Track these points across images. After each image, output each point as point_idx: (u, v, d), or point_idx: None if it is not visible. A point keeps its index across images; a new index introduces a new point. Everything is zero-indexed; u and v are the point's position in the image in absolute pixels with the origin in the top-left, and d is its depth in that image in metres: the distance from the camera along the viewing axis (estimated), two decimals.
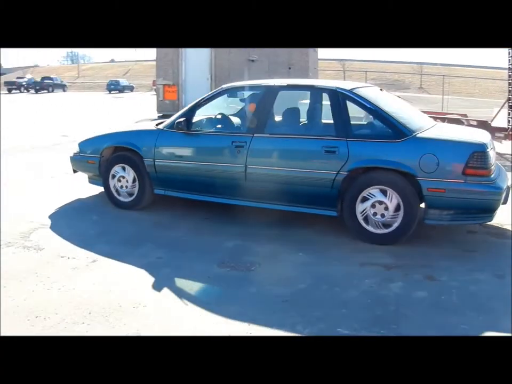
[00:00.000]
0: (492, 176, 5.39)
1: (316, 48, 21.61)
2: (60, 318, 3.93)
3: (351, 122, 5.87)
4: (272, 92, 6.42)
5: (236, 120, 6.99)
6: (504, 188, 5.48)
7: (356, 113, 6.20)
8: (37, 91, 57.38)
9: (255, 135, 6.11)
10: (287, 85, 6.63)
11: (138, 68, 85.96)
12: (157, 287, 4.64)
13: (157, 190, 6.81)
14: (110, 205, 7.06)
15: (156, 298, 4.38)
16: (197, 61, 19.48)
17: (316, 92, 6.54)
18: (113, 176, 7.01)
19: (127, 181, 6.91)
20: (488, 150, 5.39)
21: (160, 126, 6.84)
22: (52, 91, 58.38)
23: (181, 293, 4.51)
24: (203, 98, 6.73)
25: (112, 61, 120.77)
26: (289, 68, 19.09)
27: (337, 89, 5.96)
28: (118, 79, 64.17)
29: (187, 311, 4.15)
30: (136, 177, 6.84)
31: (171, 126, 6.62)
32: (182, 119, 6.48)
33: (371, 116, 6.07)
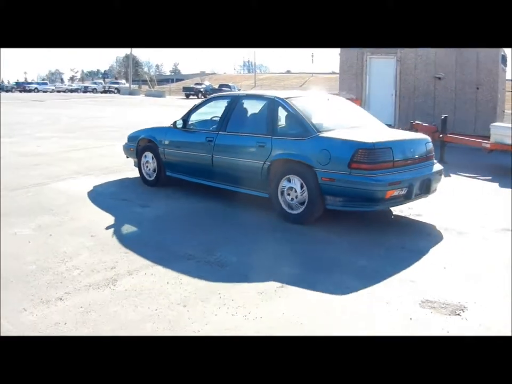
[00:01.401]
0: (378, 170, 6.69)
1: (505, 67, 20.56)
2: None
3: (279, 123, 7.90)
4: (234, 100, 8.74)
5: (213, 121, 8.99)
6: (395, 182, 6.70)
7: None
8: None
9: (219, 132, 8.45)
10: (246, 95, 9.50)
11: (314, 80, 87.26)
12: None
13: (167, 172, 9.43)
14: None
15: None
16: (381, 75, 19.32)
17: (262, 100, 8.51)
18: (144, 161, 9.78)
19: (151, 165, 9.64)
20: (374, 148, 6.73)
21: (171, 125, 9.28)
22: None
23: None
24: (195, 105, 9.45)
25: (288, 72, 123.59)
26: (477, 88, 18.26)
27: (275, 98, 7.99)
28: (295, 91, 63.78)
29: None
30: (156, 162, 9.51)
31: (174, 124, 9.16)
32: (180, 120, 9.11)
33: (293, 119, 7.66)
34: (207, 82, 77.29)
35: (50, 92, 77.24)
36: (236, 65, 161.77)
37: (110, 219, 7.57)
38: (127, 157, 10.62)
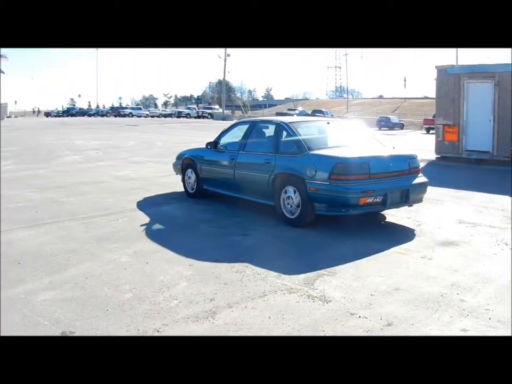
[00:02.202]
0: (353, 181, 8.00)
1: None
2: None
3: (282, 142, 9.33)
4: (252, 124, 10.44)
5: (237, 143, 10.48)
6: (368, 191, 7.97)
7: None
8: None
9: (240, 152, 10.10)
10: (261, 120, 11.12)
11: (407, 105, 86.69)
12: None
13: (204, 186, 11.11)
14: None
15: None
16: (479, 100, 18.75)
17: (272, 124, 10.11)
18: (187, 177, 11.54)
19: (192, 180, 11.37)
20: (350, 163, 8.12)
21: (206, 146, 11.00)
22: None
23: None
24: (224, 129, 11.22)
25: (381, 97, 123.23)
26: None
27: (280, 123, 9.68)
28: (388, 116, 64.89)
29: None
30: (195, 177, 11.24)
31: (207, 145, 10.97)
32: (212, 142, 10.93)
33: (291, 139, 9.13)
34: (300, 108, 78.27)
35: (145, 117, 79.59)
36: (328, 90, 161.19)
37: (208, 247, 7.47)
38: (176, 174, 12.35)
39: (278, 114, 69.40)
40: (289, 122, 9.54)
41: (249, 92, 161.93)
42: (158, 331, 4.77)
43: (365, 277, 6.24)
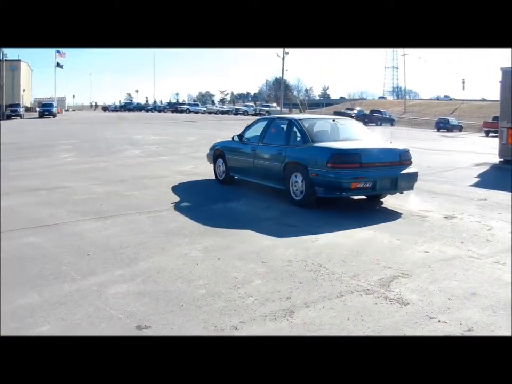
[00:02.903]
0: (346, 169, 9.42)
1: None
2: None
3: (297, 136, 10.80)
4: (270, 121, 12.07)
5: (257, 136, 11.92)
6: (358, 177, 9.37)
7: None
8: (365, 123, 59.55)
9: (259, 144, 11.60)
10: (278, 117, 12.81)
11: (466, 107, 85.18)
12: None
13: (231, 173, 12.73)
14: None
15: None
16: None
17: (285, 120, 11.67)
18: (217, 165, 13.21)
19: (221, 168, 13.00)
20: (343, 153, 9.57)
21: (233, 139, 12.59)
22: (380, 124, 61.99)
23: None
24: (248, 124, 12.88)
25: (438, 98, 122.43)
26: None
27: (292, 119, 11.29)
28: (447, 118, 64.46)
29: None
30: (224, 166, 12.80)
31: (233, 138, 12.51)
32: (238, 135, 12.45)
33: (299, 133, 10.66)
34: (358, 108, 78.00)
35: (202, 113, 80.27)
36: (385, 90, 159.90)
37: (280, 244, 7.35)
38: (210, 163, 13.86)
39: (336, 113, 69.45)
40: (299, 119, 11.18)
41: (306, 90, 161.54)
42: (236, 328, 4.67)
43: (440, 281, 6.03)
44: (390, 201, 10.65)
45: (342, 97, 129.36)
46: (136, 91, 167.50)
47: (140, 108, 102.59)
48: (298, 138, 10.66)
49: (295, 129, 10.82)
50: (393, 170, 9.93)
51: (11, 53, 75.23)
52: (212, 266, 6.37)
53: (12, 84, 76.21)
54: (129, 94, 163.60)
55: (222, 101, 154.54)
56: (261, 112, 77.17)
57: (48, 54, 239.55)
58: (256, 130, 12.13)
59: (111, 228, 8.19)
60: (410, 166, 10.23)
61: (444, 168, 17.17)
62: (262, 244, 7.36)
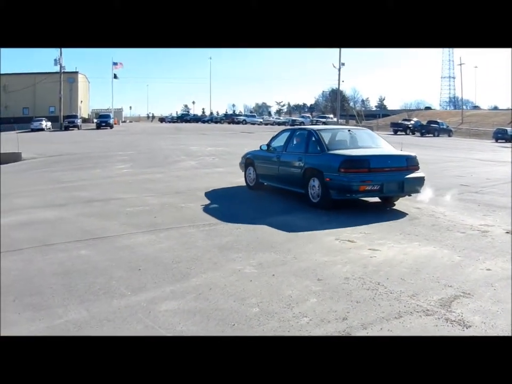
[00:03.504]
0: (355, 173, 10.49)
1: None
2: None
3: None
4: (292, 131, 13.33)
5: (282, 145, 13.06)
6: (367, 181, 10.43)
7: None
8: (422, 134, 61.20)
9: (283, 152, 12.73)
10: (299, 128, 14.59)
11: None
12: None
13: (260, 180, 13.84)
14: None
15: None
16: None
17: (305, 131, 12.69)
18: (248, 173, 14.34)
19: (252, 175, 14.12)
20: (353, 160, 10.68)
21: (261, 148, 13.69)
22: (437, 135, 61.31)
23: None
24: (274, 135, 14.13)
25: (496, 108, 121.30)
26: None
27: (311, 130, 12.36)
28: (505, 128, 63.21)
29: None
30: (255, 173, 13.91)
31: (261, 148, 13.60)
32: (265, 144, 13.56)
33: (317, 142, 11.68)
34: (415, 119, 76.89)
35: (258, 124, 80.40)
36: (441, 101, 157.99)
37: (336, 262, 7.12)
38: (242, 171, 14.94)
39: (393, 124, 69.35)
40: (317, 130, 12.38)
41: (362, 101, 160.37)
42: None
43: (503, 301, 5.69)
44: (449, 215, 10.31)
45: (399, 109, 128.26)
46: (193, 102, 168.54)
47: (196, 119, 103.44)
48: (316, 147, 11.71)
49: (313, 138, 11.90)
50: (400, 175, 10.92)
51: (69, 65, 77.17)
52: (266, 283, 6.19)
53: (69, 96, 78.14)
54: (185, 105, 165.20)
55: (279, 112, 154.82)
56: (318, 123, 76.91)
57: (105, 65, 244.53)
58: (281, 140, 13.33)
59: (164, 241, 8.10)
60: (417, 171, 11.23)
61: (504, 180, 16.56)
62: (318, 260, 7.14)
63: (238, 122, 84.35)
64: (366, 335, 4.64)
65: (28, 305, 5.61)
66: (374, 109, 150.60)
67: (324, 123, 75.61)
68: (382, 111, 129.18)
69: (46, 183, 16.40)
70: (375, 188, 10.52)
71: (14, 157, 27.09)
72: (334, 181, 10.60)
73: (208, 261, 7.05)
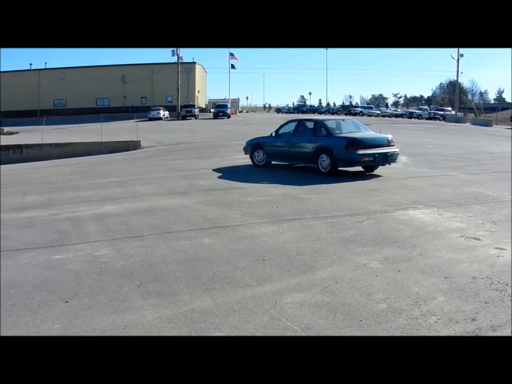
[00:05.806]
0: (357, 149, 14.48)
1: None
2: None
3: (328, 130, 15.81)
4: (300, 121, 17.20)
5: (290, 132, 16.82)
6: (365, 154, 14.51)
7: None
8: None
9: (292, 137, 16.48)
10: (306, 119, 18.39)
11: None
12: None
13: (268, 159, 17.43)
14: None
15: None
16: None
17: (313, 121, 16.60)
18: (255, 154, 17.68)
19: (260, 157, 17.56)
20: (355, 140, 14.81)
21: (270, 135, 17.49)
22: None
23: None
24: (281, 124, 17.80)
25: None
26: None
27: (317, 120, 16.57)
28: None
29: None
30: (263, 155, 17.47)
31: (271, 134, 17.45)
32: (274, 132, 17.35)
33: (324, 129, 15.65)
34: None
35: (375, 116, 79.33)
36: None
37: (464, 259, 6.91)
38: (245, 154, 18.46)
39: None
40: (322, 120, 16.58)
41: (481, 93, 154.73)
42: None
43: None
44: None
45: None
46: (310, 93, 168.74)
47: (313, 110, 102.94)
48: (324, 132, 15.61)
49: (319, 126, 15.91)
50: (384, 150, 15.07)
51: (186, 55, 78.87)
52: (392, 279, 6.11)
53: (187, 86, 79.83)
54: (302, 96, 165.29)
55: (396, 104, 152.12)
56: (435, 116, 75.17)
57: (221, 56, 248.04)
58: (287, 128, 17.12)
59: (287, 232, 8.16)
60: (394, 147, 15.53)
61: None
62: (444, 258, 6.96)
63: (355, 114, 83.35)
64: (364, 335, 4.69)
65: (153, 291, 5.82)
66: (492, 102, 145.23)
67: (442, 116, 74.01)
68: (501, 104, 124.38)
69: (166, 171, 16.92)
70: (370, 159, 14.75)
71: (134, 145, 28.18)
72: (342, 155, 14.67)
73: (332, 253, 7.08)
